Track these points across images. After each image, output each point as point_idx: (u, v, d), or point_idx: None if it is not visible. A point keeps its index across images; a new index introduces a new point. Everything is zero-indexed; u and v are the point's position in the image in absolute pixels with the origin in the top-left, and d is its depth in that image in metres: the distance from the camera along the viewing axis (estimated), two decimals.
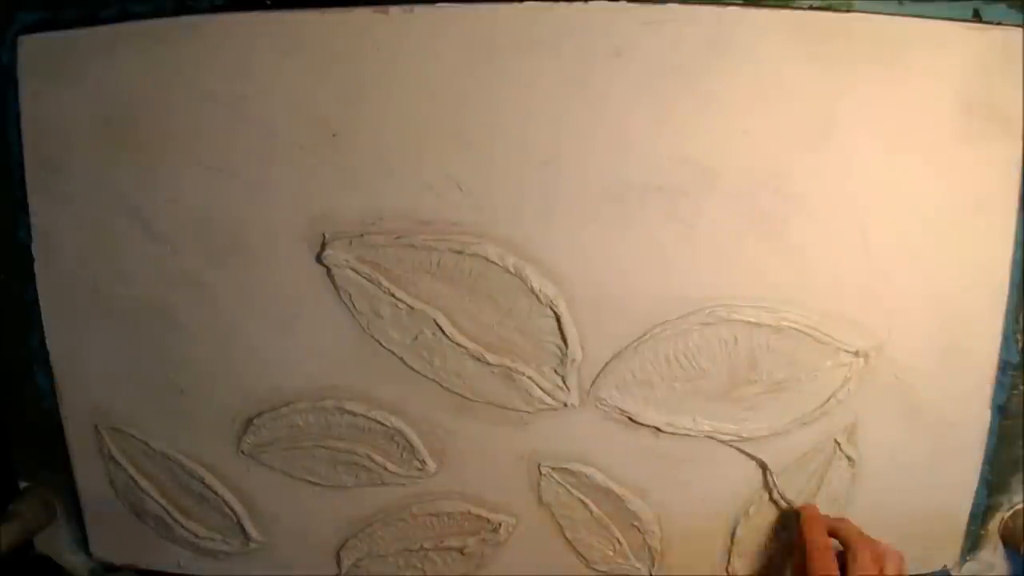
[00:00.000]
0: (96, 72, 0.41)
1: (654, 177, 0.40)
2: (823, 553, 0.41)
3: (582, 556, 0.48)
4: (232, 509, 0.48)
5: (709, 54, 0.38)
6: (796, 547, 0.44)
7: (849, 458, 0.45)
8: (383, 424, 0.45)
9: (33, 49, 0.41)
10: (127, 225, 0.43)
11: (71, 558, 0.51)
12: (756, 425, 0.44)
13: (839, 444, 0.44)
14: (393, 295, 0.42)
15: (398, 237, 0.41)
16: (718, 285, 0.41)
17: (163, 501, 0.49)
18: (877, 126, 0.39)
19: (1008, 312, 0.42)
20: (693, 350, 0.42)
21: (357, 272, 0.42)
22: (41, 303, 0.45)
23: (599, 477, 0.46)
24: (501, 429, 0.45)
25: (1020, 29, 0.38)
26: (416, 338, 0.43)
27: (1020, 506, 0.47)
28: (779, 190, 0.40)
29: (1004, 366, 0.43)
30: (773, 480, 0.45)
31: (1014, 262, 0.41)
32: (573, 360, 0.43)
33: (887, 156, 0.40)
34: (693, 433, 0.44)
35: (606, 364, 0.43)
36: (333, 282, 0.42)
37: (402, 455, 0.46)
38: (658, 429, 0.44)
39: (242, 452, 0.47)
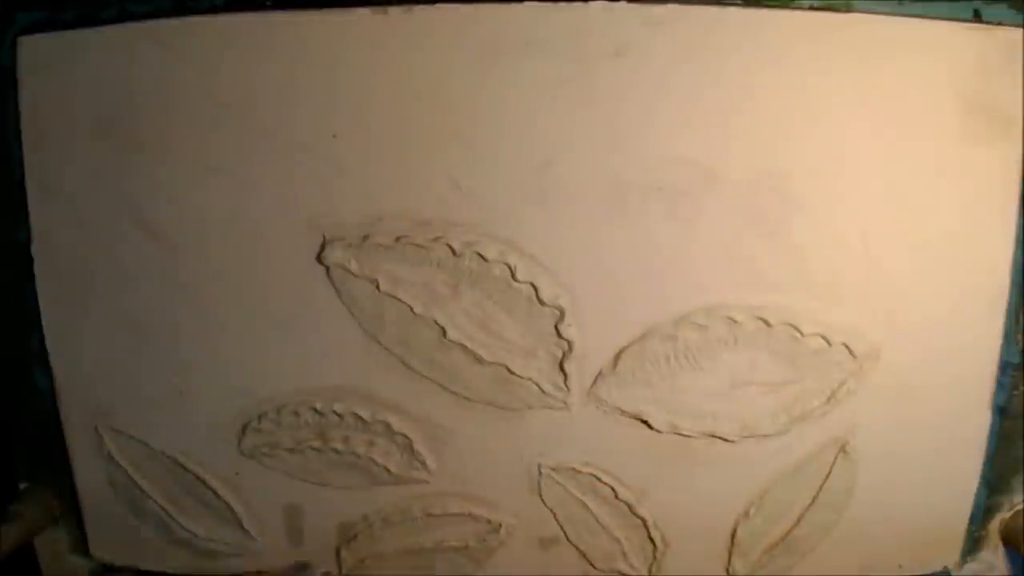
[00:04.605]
0: (96, 72, 0.41)
1: (654, 177, 0.40)
2: None
3: (583, 556, 0.48)
4: (232, 509, 0.48)
5: (709, 54, 0.38)
6: None
7: (849, 458, 0.45)
8: (383, 424, 0.45)
9: (33, 50, 0.41)
10: (127, 225, 0.43)
11: (71, 559, 0.51)
12: (756, 425, 0.44)
13: (839, 444, 0.44)
14: (393, 295, 0.42)
15: (398, 237, 0.41)
16: (718, 285, 0.41)
17: (163, 501, 0.49)
18: (877, 126, 0.39)
19: (1008, 312, 0.42)
20: (693, 350, 0.42)
21: (357, 272, 0.42)
22: (41, 303, 0.45)
23: (599, 477, 0.46)
24: (501, 429, 0.45)
25: (1020, 29, 0.38)
26: (416, 338, 0.43)
27: (1021, 506, 0.47)
28: (779, 190, 0.40)
29: (1004, 366, 0.43)
30: None
31: (1014, 262, 0.41)
32: (573, 360, 0.43)
33: (887, 156, 0.40)
34: (693, 433, 0.44)
35: (606, 364, 0.43)
36: (333, 282, 0.42)
37: (402, 455, 0.46)
38: (658, 429, 0.44)
39: (242, 452, 0.47)
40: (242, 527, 0.49)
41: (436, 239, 0.41)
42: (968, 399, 0.44)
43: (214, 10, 0.40)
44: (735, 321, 0.41)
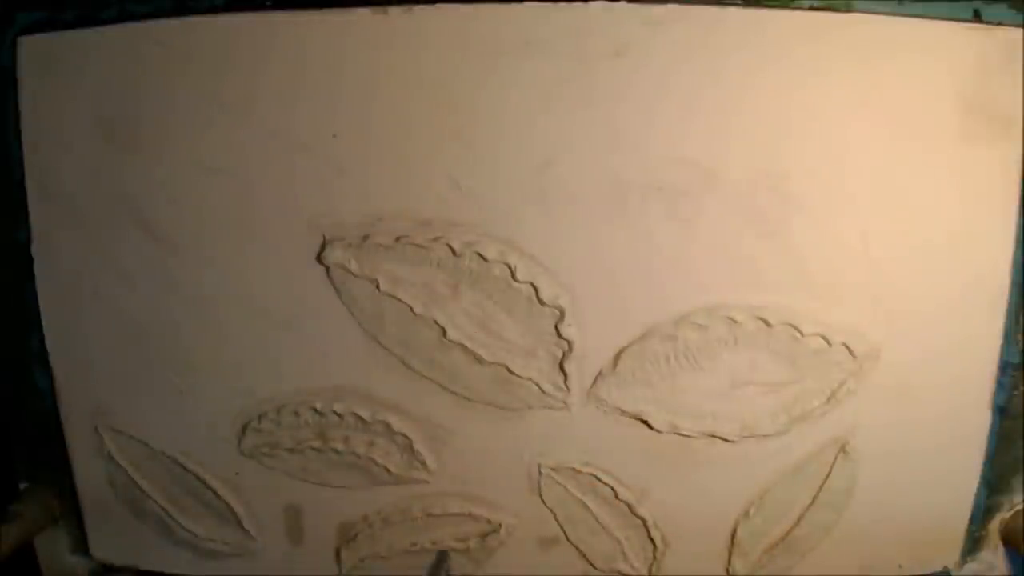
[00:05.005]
0: (96, 72, 0.41)
1: (654, 177, 0.40)
2: None
3: (583, 556, 0.48)
4: (232, 509, 0.48)
5: (709, 54, 0.38)
6: None
7: (849, 458, 0.45)
8: (383, 424, 0.45)
9: (33, 50, 0.41)
10: (127, 225, 0.43)
11: (71, 559, 0.51)
12: (756, 425, 0.44)
13: (839, 444, 0.44)
14: (393, 295, 0.42)
15: (398, 237, 0.41)
16: (718, 285, 0.41)
17: (163, 502, 0.49)
18: (877, 126, 0.39)
19: (1008, 312, 0.42)
20: (693, 350, 0.42)
21: (357, 272, 0.42)
22: (41, 303, 0.45)
23: (599, 477, 0.46)
24: (501, 429, 0.45)
25: (1020, 29, 0.38)
26: (416, 338, 0.43)
27: (1020, 506, 0.47)
28: (778, 190, 0.40)
29: (1004, 366, 0.43)
30: None
31: (1014, 262, 0.41)
32: (573, 360, 0.43)
33: (887, 156, 0.40)
34: (693, 433, 0.44)
35: (606, 364, 0.43)
36: (333, 282, 0.42)
37: (402, 455, 0.46)
38: (658, 429, 0.44)
39: (242, 453, 0.47)
40: (242, 527, 0.49)
41: (436, 239, 0.41)
42: (968, 399, 0.44)
43: (214, 10, 0.40)
44: (735, 321, 0.41)
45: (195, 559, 0.50)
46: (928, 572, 0.48)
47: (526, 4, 0.38)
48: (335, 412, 0.45)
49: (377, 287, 0.42)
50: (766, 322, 0.41)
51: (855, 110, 0.39)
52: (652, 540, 0.47)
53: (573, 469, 0.46)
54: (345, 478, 0.47)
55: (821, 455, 0.45)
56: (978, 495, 0.46)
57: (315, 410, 0.45)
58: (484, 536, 0.48)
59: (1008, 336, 0.43)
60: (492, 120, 0.40)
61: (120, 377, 0.46)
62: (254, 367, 0.45)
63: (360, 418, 0.45)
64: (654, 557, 0.48)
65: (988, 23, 0.38)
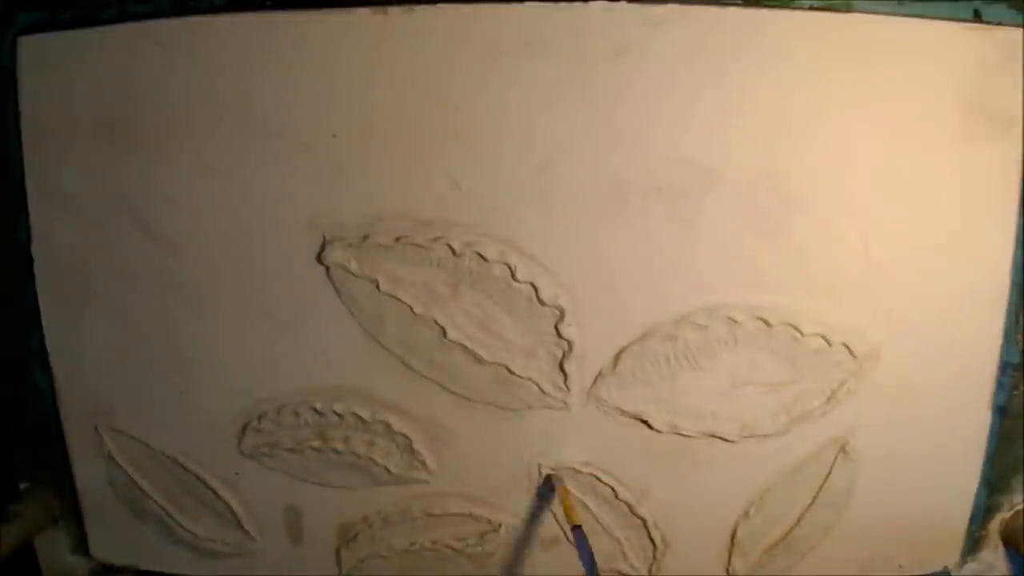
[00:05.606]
0: (96, 72, 0.41)
1: (654, 177, 0.40)
2: None
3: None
4: (232, 510, 0.48)
5: (709, 54, 0.38)
6: None
7: (849, 458, 0.45)
8: (383, 424, 0.45)
9: (33, 50, 0.41)
10: (127, 225, 0.43)
11: (71, 559, 0.51)
12: (756, 425, 0.44)
13: (839, 444, 0.44)
14: (393, 295, 0.42)
15: (398, 237, 0.41)
16: (718, 285, 0.41)
17: (163, 502, 0.49)
18: (877, 126, 0.39)
19: (1008, 312, 0.42)
20: (693, 350, 0.42)
21: (357, 272, 0.42)
22: (41, 303, 0.45)
23: (599, 477, 0.46)
24: (501, 429, 0.45)
25: (1020, 29, 0.38)
26: (416, 338, 0.43)
27: (1020, 506, 0.47)
28: (779, 190, 0.40)
29: (1004, 366, 0.43)
30: None
31: (1014, 262, 0.41)
32: (573, 360, 0.43)
33: (887, 156, 0.40)
34: (693, 433, 0.44)
35: (606, 364, 0.43)
36: (333, 282, 0.42)
37: (402, 455, 0.46)
38: (658, 429, 0.44)
39: (242, 453, 0.47)
40: (242, 527, 0.49)
41: (436, 239, 0.41)
42: (968, 399, 0.44)
43: (214, 10, 0.40)
44: (735, 321, 0.41)
45: (195, 559, 0.50)
46: (928, 572, 0.48)
47: (526, 4, 0.38)
48: (335, 412, 0.45)
49: (377, 287, 0.42)
50: (766, 322, 0.41)
51: (855, 110, 0.39)
52: (652, 540, 0.47)
53: (573, 469, 0.46)
54: (345, 478, 0.47)
55: (821, 455, 0.45)
56: (978, 495, 0.46)
57: (315, 410, 0.45)
58: (484, 536, 0.48)
59: (1008, 336, 0.43)
60: (492, 120, 0.40)
61: (120, 377, 0.46)
62: (254, 367, 0.45)
63: (360, 418, 0.45)
64: (654, 557, 0.48)
65: (988, 23, 0.38)
